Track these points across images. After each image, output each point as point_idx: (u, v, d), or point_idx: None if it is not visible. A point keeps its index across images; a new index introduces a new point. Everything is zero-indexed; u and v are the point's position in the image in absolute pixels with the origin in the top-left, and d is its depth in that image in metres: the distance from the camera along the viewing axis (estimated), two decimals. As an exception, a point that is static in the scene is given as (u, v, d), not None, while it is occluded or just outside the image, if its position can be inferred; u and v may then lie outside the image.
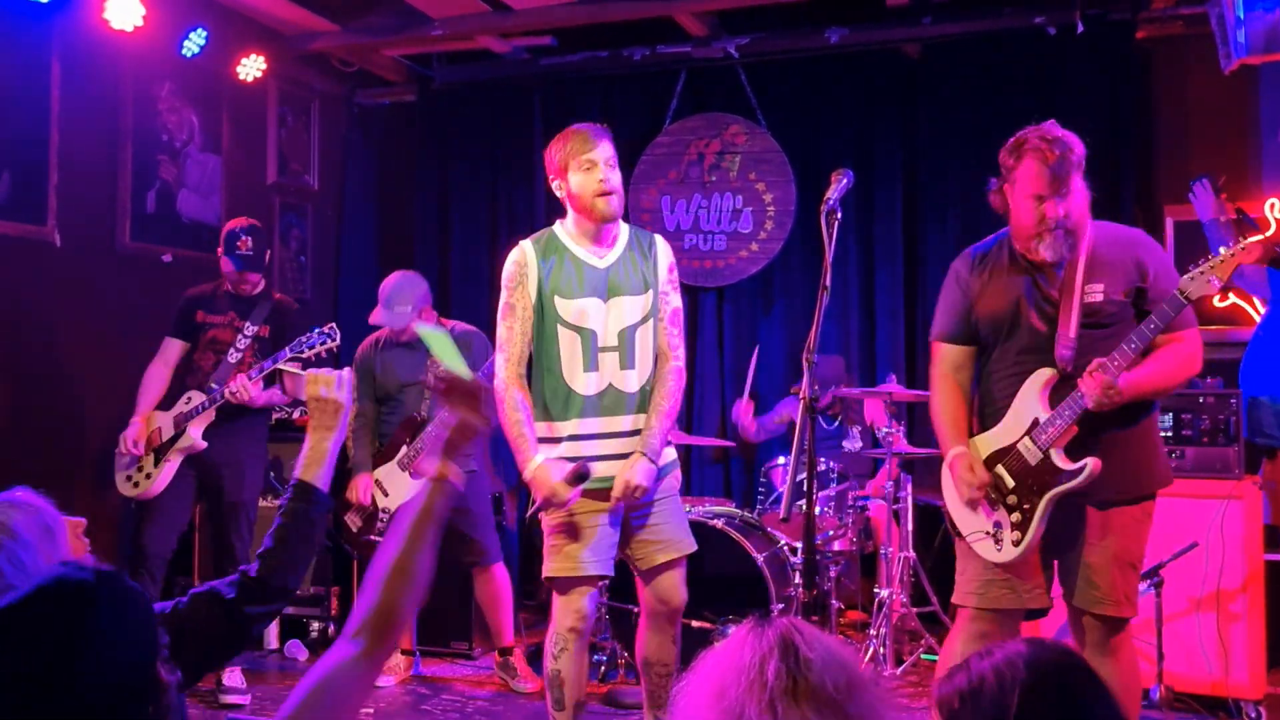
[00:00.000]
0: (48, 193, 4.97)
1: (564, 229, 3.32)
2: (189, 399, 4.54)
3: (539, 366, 3.29)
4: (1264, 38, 4.32)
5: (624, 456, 3.22)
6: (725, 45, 6.12)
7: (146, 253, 5.46)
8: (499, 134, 6.88)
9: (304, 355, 4.38)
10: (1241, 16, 4.33)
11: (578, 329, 3.22)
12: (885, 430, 4.92)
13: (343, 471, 4.94)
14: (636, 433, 3.25)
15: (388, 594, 1.58)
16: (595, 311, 3.23)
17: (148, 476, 4.49)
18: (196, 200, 5.84)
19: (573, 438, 3.24)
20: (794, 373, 4.41)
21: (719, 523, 4.55)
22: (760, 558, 4.53)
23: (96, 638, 1.23)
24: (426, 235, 6.99)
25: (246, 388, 4.40)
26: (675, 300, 3.36)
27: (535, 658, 5.08)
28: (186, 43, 5.36)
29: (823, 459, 5.09)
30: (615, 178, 3.24)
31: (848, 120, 6.27)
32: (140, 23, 4.98)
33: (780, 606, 4.46)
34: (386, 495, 4.69)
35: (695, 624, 4.37)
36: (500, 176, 6.88)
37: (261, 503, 5.43)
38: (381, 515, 4.69)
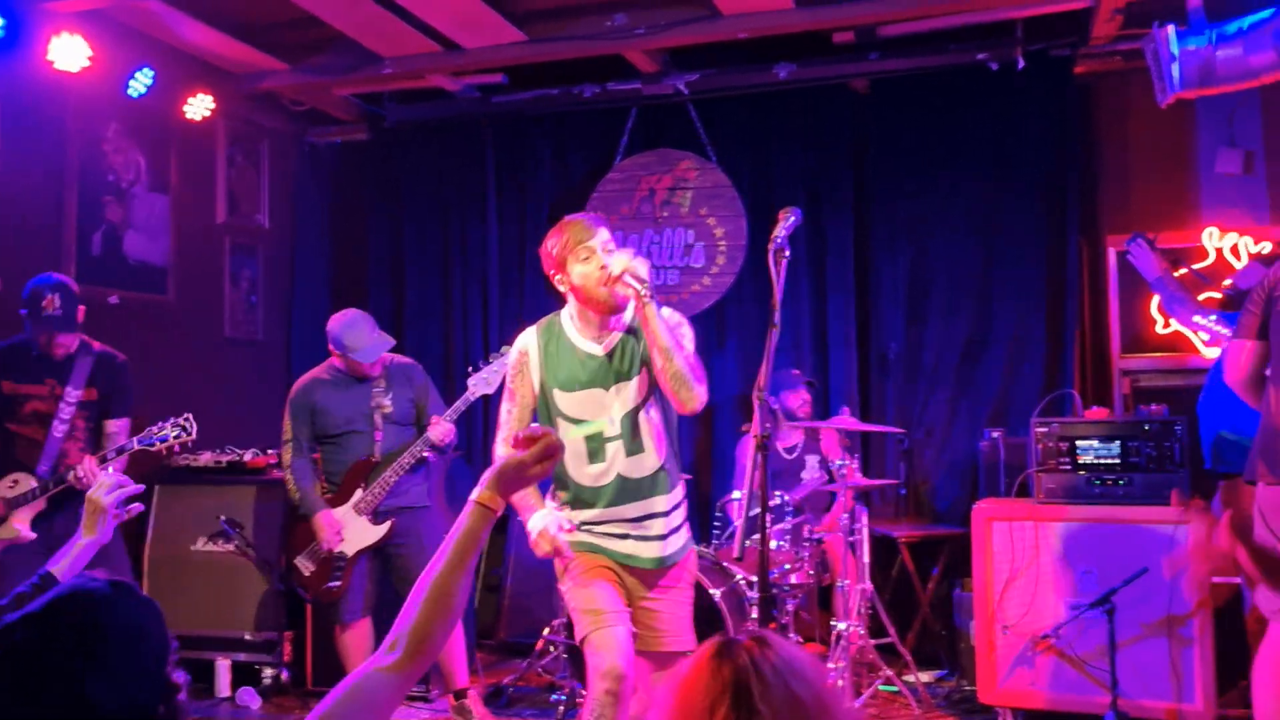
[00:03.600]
0: (-9, 236, 4.90)
1: (568, 315, 3.27)
2: (15, 481, 4.14)
3: None
4: (1197, 73, 4.43)
5: (638, 538, 3.21)
6: (675, 82, 6.17)
7: (93, 295, 5.35)
8: (451, 171, 6.89)
9: (153, 448, 4.11)
10: (1175, 53, 4.44)
11: (577, 422, 3.19)
12: (840, 463, 4.94)
13: (290, 519, 4.88)
14: (648, 517, 3.22)
15: (425, 613, 1.63)
16: (597, 401, 3.19)
17: None
18: (144, 241, 5.78)
19: (584, 526, 3.24)
20: (749, 408, 4.42)
21: (676, 558, 4.53)
22: (717, 593, 4.52)
23: (113, 643, 1.31)
24: (380, 273, 6.96)
25: (95, 473, 4.03)
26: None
27: (493, 699, 5.03)
28: (133, 82, 5.32)
29: (778, 492, 5.10)
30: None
31: (798, 154, 6.33)
32: (86, 63, 4.94)
33: (734, 641, 4.43)
34: (343, 540, 4.61)
35: (653, 661, 4.34)
36: (453, 213, 6.87)
37: (211, 547, 5.38)
38: (338, 561, 4.61)
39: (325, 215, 7.20)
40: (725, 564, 4.80)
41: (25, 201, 5.09)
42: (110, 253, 5.57)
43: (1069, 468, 4.49)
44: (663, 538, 3.24)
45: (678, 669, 1.42)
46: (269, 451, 5.56)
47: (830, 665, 4.72)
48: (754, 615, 4.56)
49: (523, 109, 6.57)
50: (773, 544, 4.90)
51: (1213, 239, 5.55)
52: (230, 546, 5.32)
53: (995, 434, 5.19)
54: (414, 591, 1.66)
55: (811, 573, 5.06)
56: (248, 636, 5.30)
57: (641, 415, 3.19)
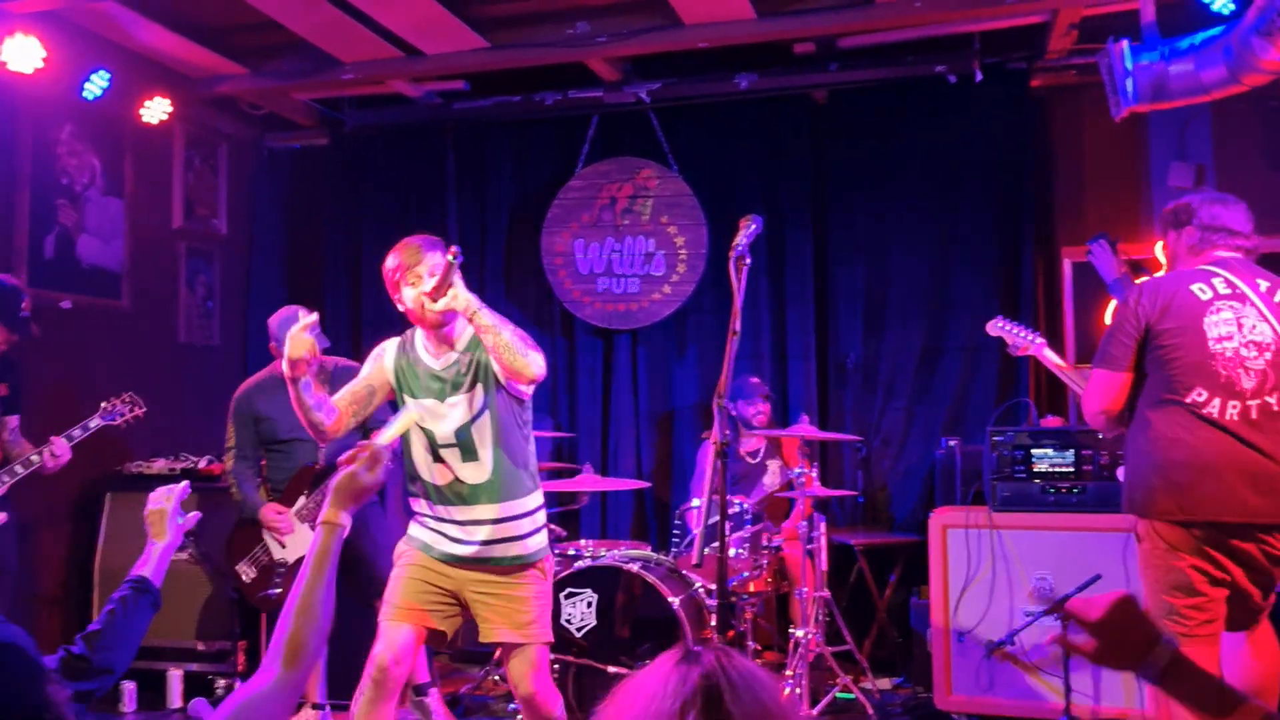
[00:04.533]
0: (-61, 239, 4.82)
1: (419, 332, 3.50)
2: None
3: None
4: (1151, 88, 4.49)
5: (472, 542, 3.39)
6: (637, 90, 6.19)
7: (45, 299, 5.30)
8: (411, 178, 6.85)
9: (115, 423, 4.43)
10: (1129, 67, 4.50)
11: (421, 428, 3.42)
12: (799, 471, 4.97)
13: (234, 525, 4.82)
14: (483, 522, 3.39)
15: (296, 626, 1.83)
16: (435, 412, 3.40)
17: None
18: (98, 245, 5.71)
19: (430, 520, 3.49)
20: (709, 416, 4.43)
21: (634, 566, 4.54)
22: (676, 601, 4.52)
23: None
24: (338, 280, 6.91)
25: (66, 450, 4.27)
26: None
27: (449, 708, 4.99)
28: (88, 85, 5.25)
29: (738, 499, 5.11)
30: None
31: (758, 163, 6.36)
32: (40, 64, 4.87)
33: (697, 650, 4.44)
34: (284, 548, 4.56)
35: (612, 669, 4.34)
36: (413, 220, 6.81)
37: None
38: (279, 568, 4.56)
39: (283, 221, 7.14)
40: (684, 572, 4.81)
41: (-25, 204, 5.01)
42: (63, 256, 5.49)
43: (1024, 476, 4.54)
44: (489, 542, 3.39)
45: (636, 677, 1.41)
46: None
47: (788, 672, 4.74)
48: (712, 623, 4.56)
49: (484, 115, 6.55)
50: (731, 552, 4.91)
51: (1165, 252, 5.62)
52: (184, 555, 5.24)
53: (952, 442, 5.24)
54: (284, 608, 1.86)
55: (770, 580, 5.07)
56: (200, 646, 5.23)
57: (474, 427, 3.37)
